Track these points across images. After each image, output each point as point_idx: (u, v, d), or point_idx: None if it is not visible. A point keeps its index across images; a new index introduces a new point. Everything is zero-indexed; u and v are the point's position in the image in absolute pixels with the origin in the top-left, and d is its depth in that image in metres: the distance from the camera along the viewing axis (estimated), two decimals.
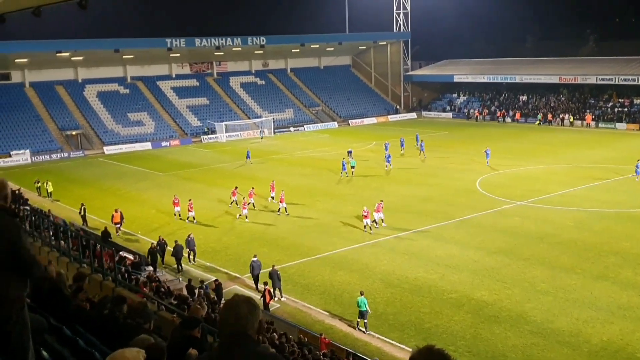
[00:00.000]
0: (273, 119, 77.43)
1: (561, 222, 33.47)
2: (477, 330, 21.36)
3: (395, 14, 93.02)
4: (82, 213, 36.72)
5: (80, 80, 75.80)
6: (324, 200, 40.47)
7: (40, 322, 5.22)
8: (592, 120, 73.98)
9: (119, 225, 34.54)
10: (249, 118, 78.42)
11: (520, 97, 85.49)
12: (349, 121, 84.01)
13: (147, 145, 68.91)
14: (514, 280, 25.51)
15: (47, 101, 71.76)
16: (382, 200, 35.05)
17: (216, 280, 25.04)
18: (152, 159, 60.91)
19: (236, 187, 39.76)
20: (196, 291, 23.09)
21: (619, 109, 74.77)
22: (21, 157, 62.23)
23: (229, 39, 78.37)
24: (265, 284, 24.21)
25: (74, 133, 69.13)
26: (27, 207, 32.66)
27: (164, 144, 69.90)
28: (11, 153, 62.69)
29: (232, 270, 28.50)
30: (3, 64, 69.77)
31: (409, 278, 26.33)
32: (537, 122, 77.21)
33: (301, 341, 18.89)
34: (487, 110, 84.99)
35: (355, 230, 33.51)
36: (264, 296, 23.42)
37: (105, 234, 30.89)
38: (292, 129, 78.19)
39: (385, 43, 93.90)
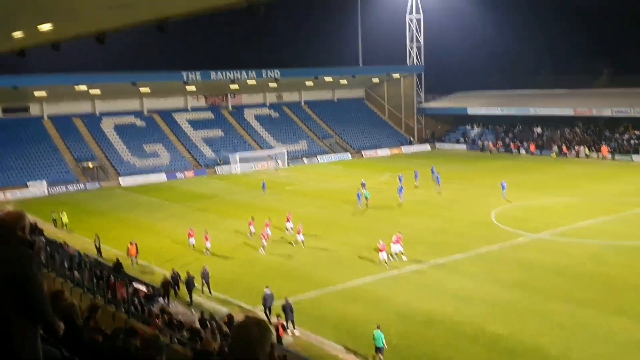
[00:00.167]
0: (287, 150, 77.89)
1: (578, 255, 33.05)
2: None
3: (408, 47, 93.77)
4: (97, 244, 36.95)
5: (97, 113, 76.91)
6: (339, 232, 40.38)
7: (53, 353, 5.21)
8: (608, 152, 73.57)
9: (134, 258, 34.67)
10: (263, 149, 78.96)
11: (535, 129, 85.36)
12: (362, 152, 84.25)
13: (162, 176, 69.46)
14: (530, 314, 25.15)
15: (64, 133, 72.78)
16: (400, 232, 34.58)
17: (229, 314, 24.90)
18: (167, 190, 61.34)
19: (252, 218, 39.74)
20: (208, 324, 22.97)
21: (635, 141, 74.34)
22: (37, 188, 62.85)
23: (243, 72, 79.40)
24: (278, 316, 24.05)
25: (90, 164, 69.84)
26: (43, 238, 32.88)
27: (178, 175, 70.41)
28: (28, 184, 63.41)
29: (245, 301, 28.37)
30: (22, 97, 70.87)
31: (423, 310, 26.07)
32: (553, 153, 76.92)
33: None
34: (501, 142, 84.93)
35: (369, 262, 33.31)
36: (277, 329, 23.24)
37: (118, 265, 30.97)
38: (305, 159, 78.54)
39: (398, 76, 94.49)
